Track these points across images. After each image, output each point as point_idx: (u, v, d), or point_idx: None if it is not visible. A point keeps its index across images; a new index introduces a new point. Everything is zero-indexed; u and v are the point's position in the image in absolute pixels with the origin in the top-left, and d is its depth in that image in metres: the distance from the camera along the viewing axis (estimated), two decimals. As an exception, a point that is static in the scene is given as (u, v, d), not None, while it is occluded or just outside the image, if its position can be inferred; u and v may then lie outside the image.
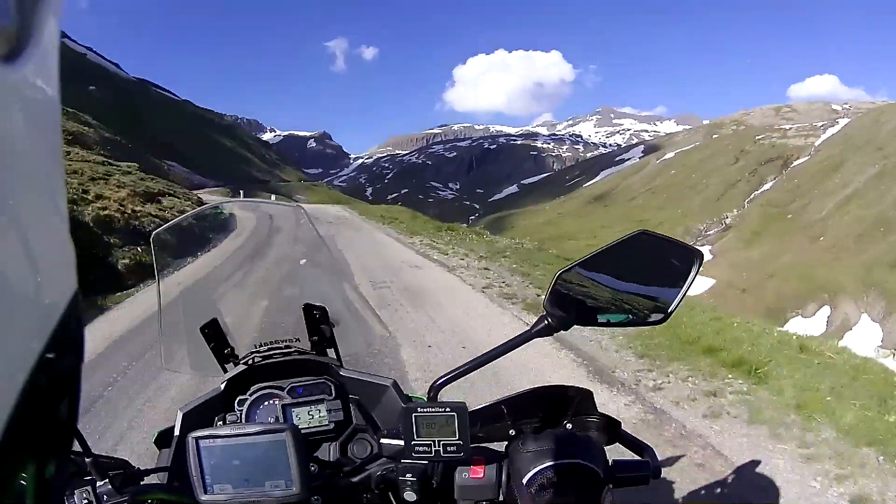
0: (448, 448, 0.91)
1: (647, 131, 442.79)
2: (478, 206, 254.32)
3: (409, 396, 1.24)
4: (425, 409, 0.91)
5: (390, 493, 1.03)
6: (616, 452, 1.02)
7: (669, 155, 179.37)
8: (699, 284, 71.52)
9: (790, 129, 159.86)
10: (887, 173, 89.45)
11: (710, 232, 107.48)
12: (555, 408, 1.04)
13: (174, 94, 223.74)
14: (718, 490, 3.24)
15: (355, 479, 1.03)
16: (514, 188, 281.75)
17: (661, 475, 0.99)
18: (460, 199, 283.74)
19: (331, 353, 1.34)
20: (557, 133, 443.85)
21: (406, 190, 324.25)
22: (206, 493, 0.92)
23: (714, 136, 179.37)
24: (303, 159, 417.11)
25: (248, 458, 0.92)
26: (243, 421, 1.23)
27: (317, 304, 1.30)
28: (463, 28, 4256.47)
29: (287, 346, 1.30)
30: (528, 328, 1.00)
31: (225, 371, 1.31)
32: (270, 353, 1.29)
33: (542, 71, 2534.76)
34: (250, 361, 1.28)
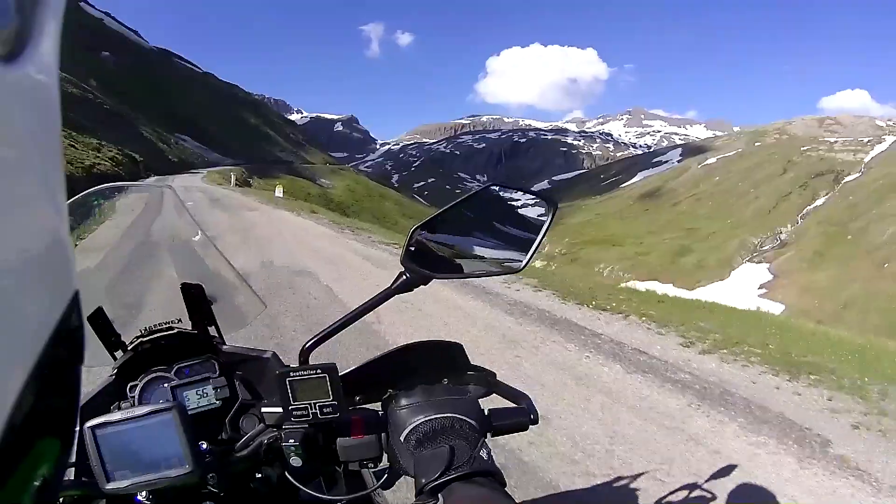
0: (324, 409, 0.93)
1: (677, 134, 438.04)
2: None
3: (288, 366, 1.25)
4: (297, 373, 0.93)
5: (280, 462, 1.03)
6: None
7: (711, 160, 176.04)
8: (769, 309, 68.83)
9: (836, 142, 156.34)
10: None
11: (766, 247, 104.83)
12: (428, 363, 1.05)
13: (196, 66, 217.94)
14: (718, 489, 3.21)
15: (245, 453, 1.03)
16: (545, 184, 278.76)
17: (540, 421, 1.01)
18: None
19: (212, 330, 1.34)
20: (587, 130, 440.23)
21: (433, 179, 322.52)
22: (108, 481, 0.91)
23: (756, 144, 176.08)
24: (329, 142, 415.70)
25: (142, 441, 0.93)
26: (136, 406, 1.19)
27: (194, 282, 1.30)
28: (501, 19, 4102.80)
29: (169, 328, 1.30)
30: (388, 286, 1.03)
31: (115, 359, 1.29)
32: (154, 336, 1.29)
33: (577, 67, 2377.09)
34: (137, 347, 1.28)
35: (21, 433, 0.27)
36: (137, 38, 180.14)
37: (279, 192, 36.88)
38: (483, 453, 0.90)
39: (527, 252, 1.06)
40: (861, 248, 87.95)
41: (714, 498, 3.08)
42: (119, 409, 1.16)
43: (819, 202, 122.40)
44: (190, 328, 1.32)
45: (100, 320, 1.27)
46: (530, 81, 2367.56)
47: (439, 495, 0.83)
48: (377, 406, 1.05)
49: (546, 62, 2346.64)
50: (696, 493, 3.21)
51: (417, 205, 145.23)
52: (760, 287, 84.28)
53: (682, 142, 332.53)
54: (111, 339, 1.29)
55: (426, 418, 0.94)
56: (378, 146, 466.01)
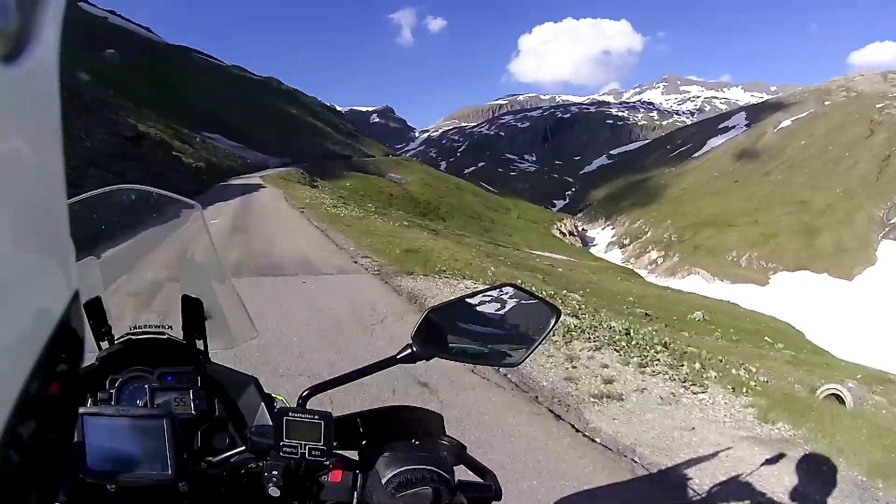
0: (313, 452, 0.99)
1: (717, 98, 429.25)
2: (570, 180, 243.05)
3: (269, 395, 1.31)
4: (296, 415, 0.99)
5: (254, 488, 1.06)
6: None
7: (786, 123, 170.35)
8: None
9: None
10: None
11: (893, 220, 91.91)
12: (406, 426, 1.14)
13: (220, 60, 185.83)
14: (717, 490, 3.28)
15: (219, 469, 1.07)
16: (603, 159, 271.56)
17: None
18: (546, 172, 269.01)
19: (200, 344, 1.37)
20: (627, 101, 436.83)
21: (482, 163, 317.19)
22: (87, 468, 0.94)
23: (826, 104, 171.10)
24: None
25: (129, 439, 0.95)
26: (114, 400, 1.24)
27: (194, 295, 1.33)
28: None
29: (160, 332, 1.32)
30: (394, 353, 1.13)
31: (100, 348, 1.31)
32: (144, 336, 1.32)
33: (610, 39, 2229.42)
34: (125, 342, 1.31)
35: (22, 431, 0.28)
36: (150, 34, 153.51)
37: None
38: (463, 500, 1.00)
39: (528, 349, 1.19)
40: None
41: (709, 497, 3.20)
42: (96, 397, 1.24)
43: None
44: (180, 338, 1.34)
45: (95, 309, 1.30)
46: (563, 57, 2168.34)
47: None
48: (351, 453, 1.11)
49: (579, 36, 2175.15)
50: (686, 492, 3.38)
51: (489, 194, 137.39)
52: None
53: (724, 105, 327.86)
54: (101, 329, 1.32)
55: (409, 467, 0.99)
56: (417, 134, 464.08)
